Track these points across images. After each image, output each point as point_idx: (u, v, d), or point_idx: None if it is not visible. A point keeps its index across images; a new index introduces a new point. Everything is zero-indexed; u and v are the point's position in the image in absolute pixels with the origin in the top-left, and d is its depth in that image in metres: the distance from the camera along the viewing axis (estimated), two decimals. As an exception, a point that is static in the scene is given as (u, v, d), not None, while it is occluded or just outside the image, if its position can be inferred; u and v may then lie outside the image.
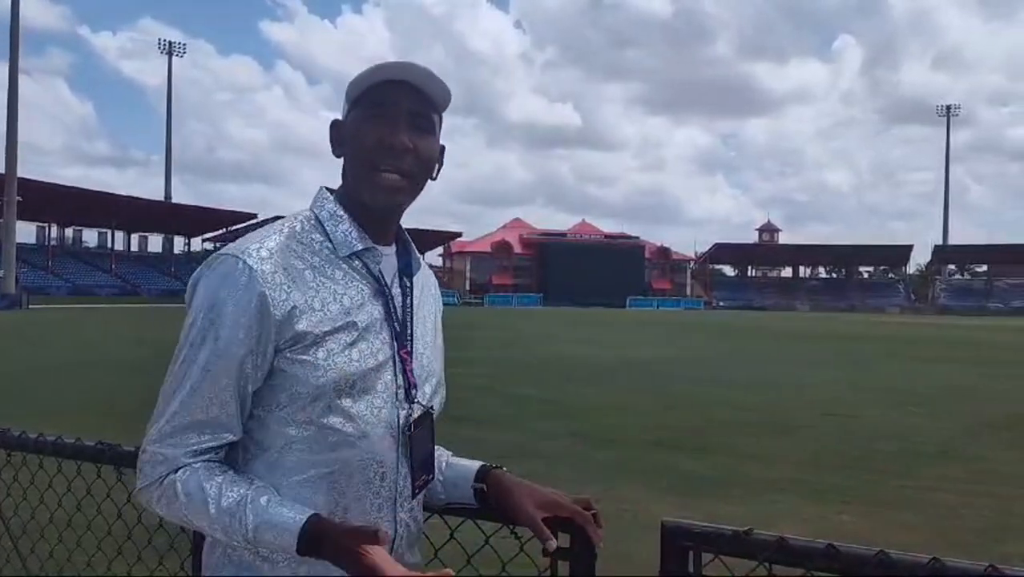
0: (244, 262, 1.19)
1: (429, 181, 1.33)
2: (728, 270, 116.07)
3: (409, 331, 1.32)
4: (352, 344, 1.22)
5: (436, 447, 1.41)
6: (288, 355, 1.19)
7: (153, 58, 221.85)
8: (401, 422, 1.27)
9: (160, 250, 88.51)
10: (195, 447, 1.18)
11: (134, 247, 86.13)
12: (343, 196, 1.31)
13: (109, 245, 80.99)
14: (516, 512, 1.32)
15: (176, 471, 1.17)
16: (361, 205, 1.29)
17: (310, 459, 1.21)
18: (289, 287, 1.20)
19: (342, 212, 1.29)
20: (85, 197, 71.94)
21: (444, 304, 1.53)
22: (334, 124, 1.33)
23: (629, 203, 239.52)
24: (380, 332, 1.26)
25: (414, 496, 1.31)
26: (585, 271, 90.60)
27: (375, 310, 1.27)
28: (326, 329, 1.20)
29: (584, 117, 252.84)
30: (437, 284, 1.50)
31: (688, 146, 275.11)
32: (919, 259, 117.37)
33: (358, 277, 1.27)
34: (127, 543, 2.04)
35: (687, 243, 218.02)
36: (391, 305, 1.29)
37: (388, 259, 1.33)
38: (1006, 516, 5.98)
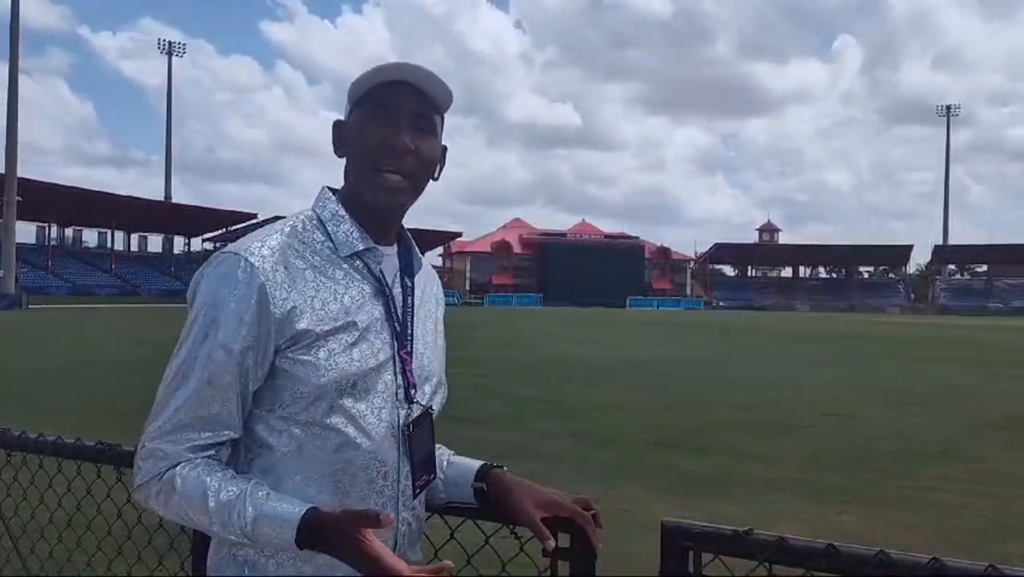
0: (246, 260, 1.19)
1: (431, 182, 1.34)
2: (728, 270, 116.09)
3: (409, 331, 1.32)
4: (353, 344, 1.23)
5: (437, 446, 1.41)
6: (289, 355, 1.20)
7: (153, 58, 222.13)
8: (401, 422, 1.27)
9: (160, 250, 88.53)
10: (195, 443, 1.18)
11: (134, 247, 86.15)
12: (345, 196, 1.32)
13: (109, 245, 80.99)
14: (516, 512, 1.32)
15: (176, 466, 1.17)
16: (363, 205, 1.29)
17: (313, 459, 1.21)
18: (290, 286, 1.20)
19: (344, 212, 1.30)
20: (85, 197, 71.94)
21: (443, 317, 1.52)
22: (336, 124, 1.34)
23: (629, 203, 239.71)
24: (381, 332, 1.27)
25: (415, 495, 1.32)
26: (585, 271, 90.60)
27: (375, 310, 1.27)
28: (326, 328, 1.21)
29: (584, 117, 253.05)
30: (440, 284, 1.51)
31: (688, 146, 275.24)
32: (919, 259, 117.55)
33: (359, 277, 1.28)
34: (127, 543, 2.04)
35: (687, 243, 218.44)
36: (392, 305, 1.30)
37: (389, 259, 1.33)
38: (1006, 516, 5.98)
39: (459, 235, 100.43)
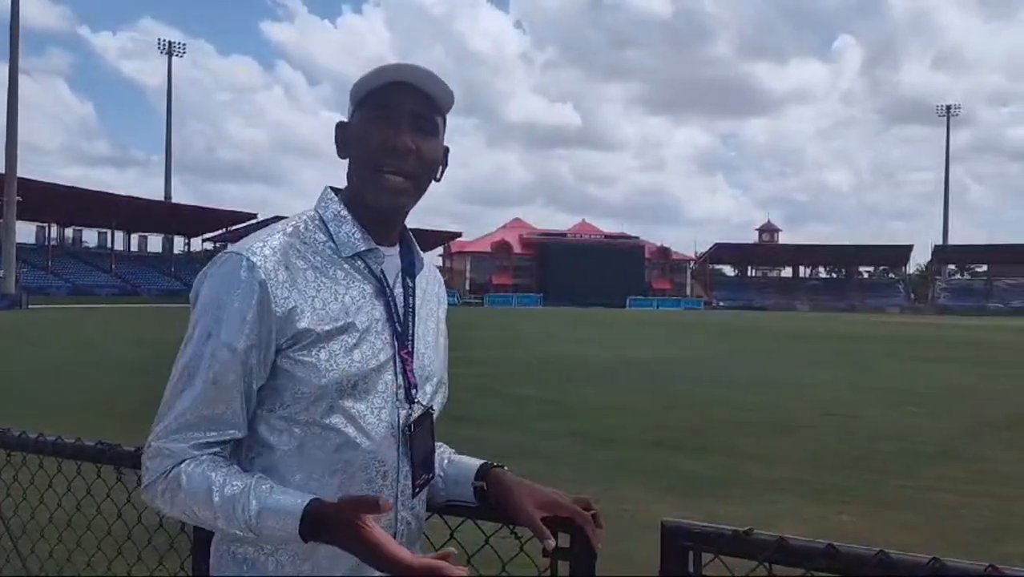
0: (247, 259, 1.20)
1: (433, 182, 1.34)
2: (728, 270, 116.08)
3: (410, 331, 1.32)
4: (354, 345, 1.23)
5: (438, 444, 1.42)
6: (290, 355, 1.20)
7: (153, 58, 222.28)
8: (401, 422, 1.28)
9: (160, 250, 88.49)
10: (200, 441, 1.19)
11: (134, 247, 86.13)
12: (347, 197, 1.32)
13: (109, 245, 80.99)
14: (515, 511, 1.32)
15: (181, 463, 1.18)
16: (365, 206, 1.29)
17: (312, 458, 1.22)
18: (290, 286, 1.21)
19: (346, 213, 1.30)
20: (85, 197, 71.93)
21: (445, 316, 1.53)
22: (339, 126, 1.34)
23: (629, 203, 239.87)
24: (381, 332, 1.27)
25: (415, 495, 1.32)
26: (585, 271, 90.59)
27: (376, 310, 1.28)
28: (327, 329, 1.21)
29: (584, 117, 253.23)
30: (442, 283, 1.51)
31: (688, 146, 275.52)
32: (919, 259, 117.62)
33: (360, 277, 1.28)
34: (127, 543, 2.04)
35: (687, 243, 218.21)
36: (393, 305, 1.30)
37: (391, 259, 1.34)
38: (1006, 516, 5.98)
39: (459, 235, 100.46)
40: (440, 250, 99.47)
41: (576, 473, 6.99)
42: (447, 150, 1.36)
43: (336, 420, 1.21)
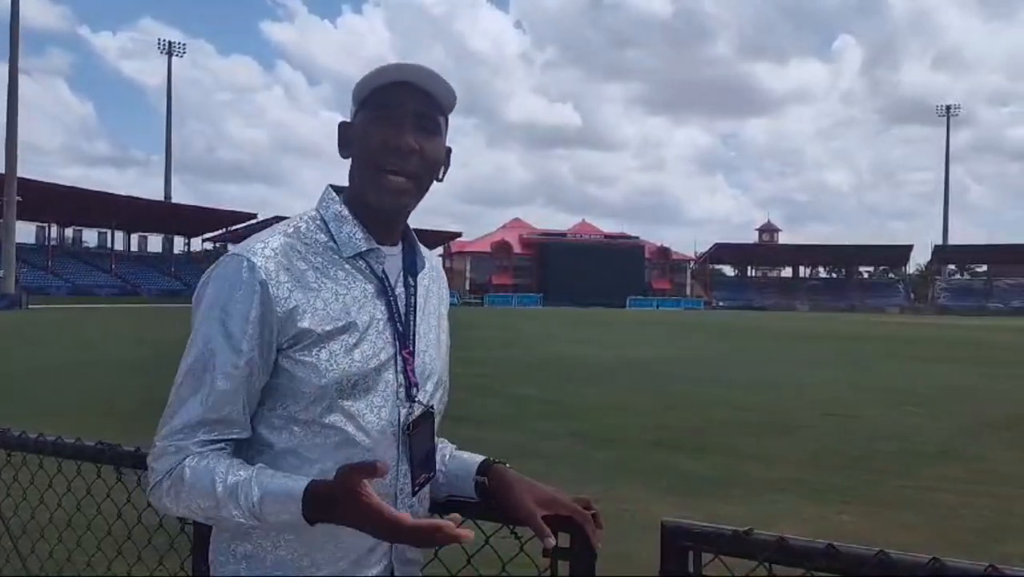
0: (248, 260, 1.21)
1: (435, 182, 1.34)
2: (728, 270, 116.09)
3: (412, 330, 1.32)
4: (355, 346, 1.23)
5: (440, 440, 1.42)
6: (291, 355, 1.21)
7: (153, 58, 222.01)
8: (401, 421, 1.28)
9: (160, 250, 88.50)
10: (204, 439, 1.19)
11: (134, 247, 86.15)
12: (349, 197, 1.32)
13: (109, 245, 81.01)
14: (516, 508, 1.32)
15: (185, 459, 1.18)
16: (366, 206, 1.29)
17: (312, 456, 1.22)
18: (292, 286, 1.21)
19: (347, 213, 1.30)
20: (85, 197, 71.95)
21: (447, 314, 1.53)
22: (342, 126, 1.34)
23: (629, 203, 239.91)
24: (382, 332, 1.27)
25: (414, 493, 1.32)
26: (585, 271, 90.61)
27: (377, 310, 1.28)
28: (328, 329, 1.22)
29: (584, 117, 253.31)
30: (445, 280, 1.51)
31: (688, 146, 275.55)
32: (919, 259, 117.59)
33: (361, 277, 1.28)
34: (127, 543, 2.04)
35: (687, 243, 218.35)
36: (394, 305, 1.30)
37: (393, 259, 1.34)
38: (1006, 516, 5.98)
39: (459, 235, 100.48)
40: (440, 250, 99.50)
41: (576, 473, 6.99)
42: (449, 150, 1.36)
43: (336, 419, 1.22)
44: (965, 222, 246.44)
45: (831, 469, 7.49)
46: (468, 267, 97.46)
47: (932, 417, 10.80)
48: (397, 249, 1.36)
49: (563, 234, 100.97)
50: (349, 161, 1.33)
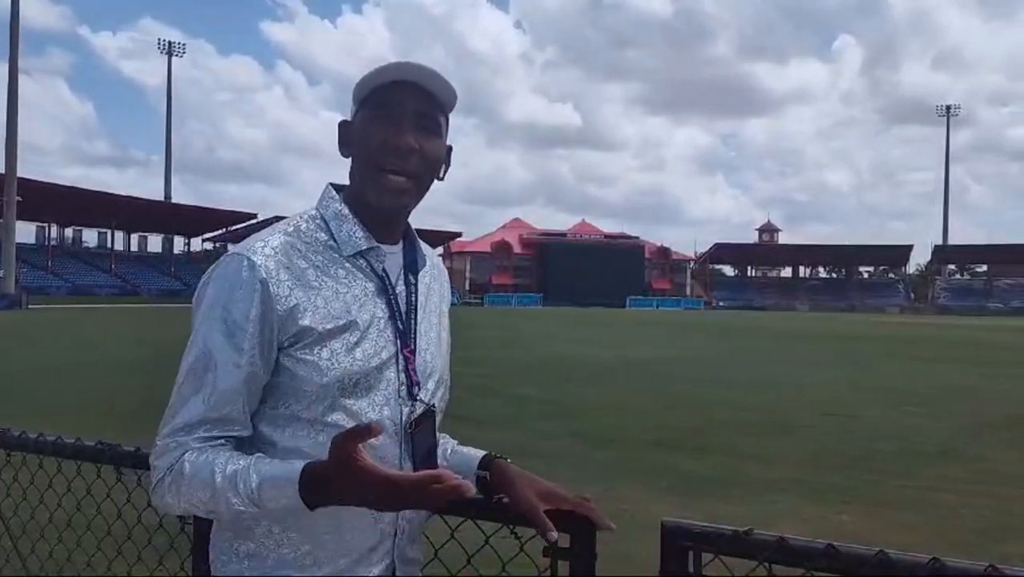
0: (248, 259, 1.21)
1: (436, 181, 1.34)
2: (728, 270, 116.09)
3: (413, 329, 1.32)
4: (356, 344, 1.23)
5: (442, 436, 1.42)
6: (292, 353, 1.21)
7: (153, 58, 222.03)
8: (403, 419, 1.28)
9: (160, 250, 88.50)
10: (204, 435, 1.19)
11: (134, 247, 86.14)
12: (349, 196, 1.32)
13: (109, 245, 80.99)
14: (518, 501, 1.32)
15: (184, 454, 1.18)
16: (366, 205, 1.29)
17: (314, 455, 1.21)
18: (292, 284, 1.21)
19: (347, 211, 1.30)
20: (85, 197, 71.93)
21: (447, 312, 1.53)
22: (342, 125, 1.34)
23: (629, 203, 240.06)
24: (384, 330, 1.27)
25: None
26: (585, 271, 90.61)
27: (378, 308, 1.28)
28: (329, 327, 1.22)
29: (584, 117, 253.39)
30: (447, 277, 1.51)
31: (688, 146, 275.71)
32: (919, 259, 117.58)
33: (362, 276, 1.28)
34: (127, 543, 2.04)
35: (687, 243, 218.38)
36: (395, 303, 1.30)
37: (393, 257, 1.34)
38: (1006, 516, 5.98)
39: (459, 235, 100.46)
40: (440, 250, 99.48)
41: (576, 473, 6.98)
42: (450, 148, 1.36)
43: (337, 417, 1.22)
44: (965, 222, 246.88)
45: (831, 469, 7.49)
46: (468, 267, 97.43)
47: (932, 417, 10.79)
48: (397, 247, 1.36)
49: (563, 234, 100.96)
50: (349, 161, 1.33)
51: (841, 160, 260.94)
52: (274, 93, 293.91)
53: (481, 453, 1.44)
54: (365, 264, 1.29)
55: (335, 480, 1.07)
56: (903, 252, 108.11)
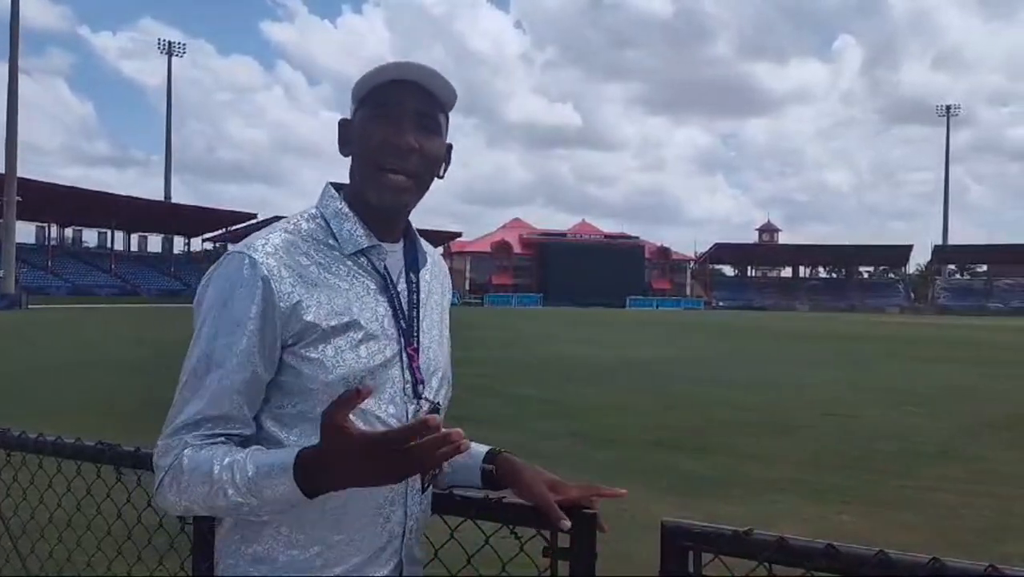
0: (249, 257, 1.20)
1: (436, 180, 1.34)
2: (728, 270, 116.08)
3: (416, 327, 1.32)
4: (360, 342, 1.23)
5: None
6: (297, 351, 1.20)
7: (153, 58, 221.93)
8: (409, 418, 1.28)
9: (160, 250, 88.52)
10: (205, 433, 1.18)
11: (134, 247, 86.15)
12: (349, 194, 1.32)
13: (109, 245, 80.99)
14: (528, 492, 1.33)
15: (184, 451, 1.17)
16: (367, 204, 1.29)
17: None
18: (294, 282, 1.21)
19: (347, 210, 1.30)
20: (85, 197, 71.92)
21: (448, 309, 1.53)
22: (342, 123, 1.34)
23: (629, 203, 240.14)
24: (387, 329, 1.27)
25: (424, 489, 1.33)
26: (585, 271, 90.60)
27: (380, 307, 1.28)
28: (332, 324, 1.21)
29: (584, 117, 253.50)
30: (447, 274, 1.50)
31: (688, 146, 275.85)
32: (919, 259, 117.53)
33: (363, 274, 1.28)
34: (127, 543, 2.04)
35: (687, 243, 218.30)
36: (397, 301, 1.30)
37: (395, 255, 1.34)
38: (1006, 516, 5.98)
39: (459, 235, 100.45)
40: (440, 250, 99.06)
41: (576, 473, 6.94)
42: (450, 147, 1.35)
43: None
44: (965, 222, 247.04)
45: (831, 469, 7.49)
46: (468, 267, 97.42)
47: (932, 417, 10.79)
48: (398, 246, 1.35)
49: (563, 234, 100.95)
50: (348, 160, 1.33)
51: (841, 160, 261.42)
52: (274, 93, 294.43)
53: (485, 448, 1.44)
54: (366, 262, 1.29)
55: (329, 458, 1.05)
56: (903, 252, 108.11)
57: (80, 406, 10.34)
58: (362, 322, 1.24)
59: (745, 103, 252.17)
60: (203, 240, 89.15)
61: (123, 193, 77.94)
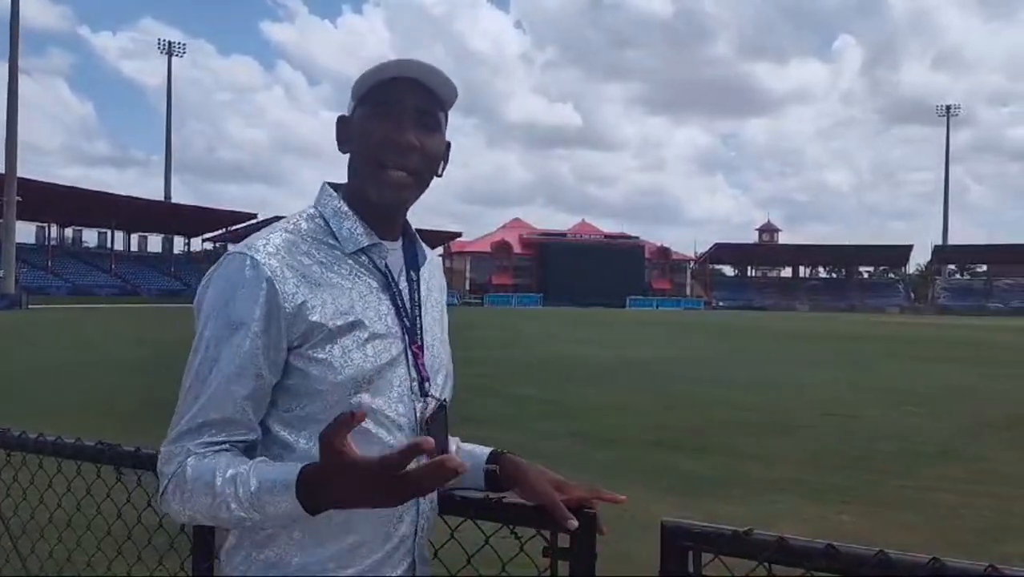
0: (251, 258, 1.19)
1: (435, 177, 1.33)
2: (728, 270, 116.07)
3: (419, 325, 1.32)
4: (366, 341, 1.22)
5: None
6: (303, 353, 1.19)
7: (153, 58, 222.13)
8: (418, 416, 1.28)
9: (160, 250, 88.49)
10: (209, 440, 1.16)
11: (134, 247, 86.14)
12: (348, 193, 1.31)
13: (109, 245, 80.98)
14: (534, 491, 1.33)
15: (188, 459, 1.15)
16: (366, 201, 1.28)
17: None
18: (298, 282, 1.19)
19: (347, 208, 1.29)
20: (85, 197, 71.89)
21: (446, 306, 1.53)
22: (340, 121, 1.33)
23: (629, 203, 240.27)
24: (391, 327, 1.27)
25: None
26: (585, 271, 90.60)
27: (383, 305, 1.27)
28: (339, 324, 1.20)
29: (584, 117, 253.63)
30: (442, 270, 1.50)
31: (688, 146, 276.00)
32: (919, 259, 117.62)
33: (365, 273, 1.27)
34: (127, 543, 2.04)
35: (687, 243, 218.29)
36: (400, 300, 1.30)
37: (395, 254, 1.33)
38: (1006, 516, 5.98)
39: (459, 235, 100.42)
40: (440, 250, 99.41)
41: (576, 473, 6.92)
42: (448, 144, 1.35)
43: None
44: (965, 222, 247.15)
45: (831, 469, 7.49)
46: (468, 267, 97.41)
47: (932, 417, 10.79)
48: (398, 244, 1.35)
49: (563, 234, 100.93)
50: (347, 158, 1.32)
51: (841, 160, 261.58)
52: (274, 93, 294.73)
53: (487, 449, 1.45)
54: (368, 261, 1.28)
55: (330, 480, 1.03)
56: (903, 252, 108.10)
57: (80, 406, 10.34)
58: (367, 321, 1.23)
59: (745, 103, 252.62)
60: (203, 240, 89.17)
61: (123, 193, 77.97)
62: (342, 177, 1.35)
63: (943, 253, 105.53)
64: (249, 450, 1.20)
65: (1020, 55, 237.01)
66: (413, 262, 1.36)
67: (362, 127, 1.27)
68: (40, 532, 2.28)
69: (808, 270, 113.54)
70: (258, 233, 1.26)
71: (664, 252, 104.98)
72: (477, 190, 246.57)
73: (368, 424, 1.21)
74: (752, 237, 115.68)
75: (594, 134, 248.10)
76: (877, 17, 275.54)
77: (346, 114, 1.33)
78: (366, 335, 1.22)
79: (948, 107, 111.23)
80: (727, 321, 50.34)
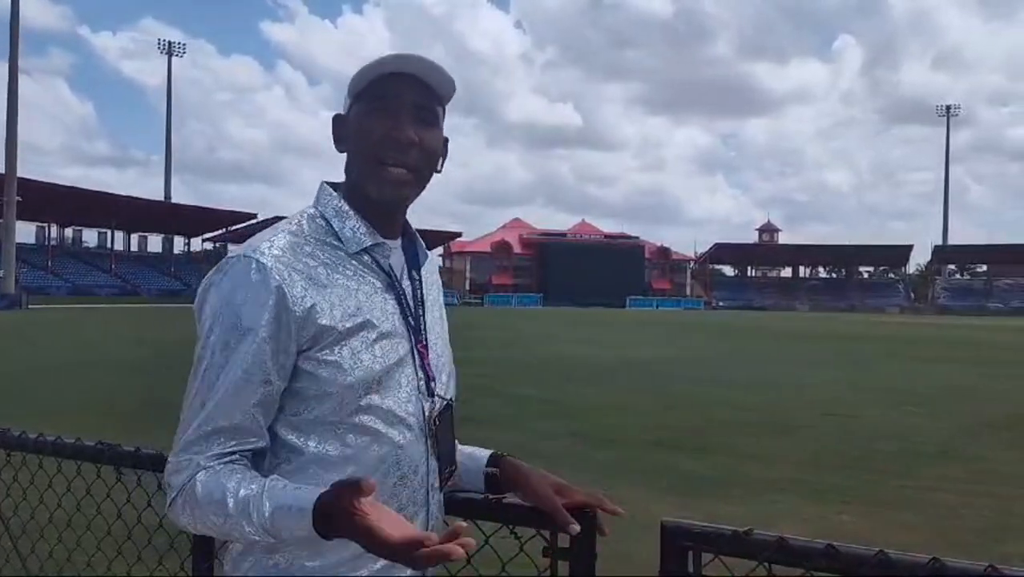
0: (257, 261, 1.17)
1: (434, 174, 1.33)
2: (728, 270, 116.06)
3: (423, 324, 1.32)
4: (375, 341, 1.22)
5: None
6: (312, 356, 1.18)
7: (153, 58, 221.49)
8: (426, 416, 1.27)
9: (160, 250, 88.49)
10: (218, 450, 1.15)
11: (134, 247, 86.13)
12: (347, 191, 1.30)
13: (109, 245, 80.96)
14: (535, 495, 1.33)
15: (197, 474, 1.14)
16: (366, 200, 1.27)
17: (344, 458, 1.19)
18: (305, 285, 1.18)
19: (347, 208, 1.28)
20: (85, 197, 71.89)
21: (444, 304, 1.53)
22: (336, 119, 1.32)
23: (629, 203, 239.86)
24: (398, 327, 1.26)
25: (441, 488, 1.32)
26: (585, 271, 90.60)
27: (388, 305, 1.26)
28: (348, 326, 1.19)
29: (584, 117, 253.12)
30: (436, 267, 1.50)
31: (688, 146, 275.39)
32: (919, 259, 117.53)
33: (369, 273, 1.26)
34: (127, 543, 2.04)
35: (687, 243, 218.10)
36: (404, 299, 1.29)
37: (396, 253, 1.33)
38: (1006, 516, 5.98)
39: (459, 235, 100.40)
40: (440, 250, 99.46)
41: (576, 473, 6.96)
42: (446, 140, 1.34)
43: (366, 418, 1.19)
44: (965, 222, 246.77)
45: (831, 469, 7.49)
46: (468, 267, 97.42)
47: (932, 417, 10.80)
48: (398, 243, 1.34)
49: (563, 234, 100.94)
50: (345, 157, 1.32)
51: (841, 160, 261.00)
52: (274, 93, 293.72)
53: (488, 452, 1.44)
54: (371, 261, 1.27)
55: (342, 523, 1.02)
56: (903, 252, 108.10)
57: (80, 406, 10.33)
58: (374, 321, 1.22)
59: (745, 103, 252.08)
60: (203, 240, 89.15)
61: (123, 193, 77.97)
62: (342, 177, 1.35)
63: (943, 253, 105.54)
64: (258, 456, 1.19)
65: (1020, 55, 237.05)
66: (414, 261, 1.36)
67: (360, 124, 1.26)
68: (40, 532, 2.28)
69: (808, 270, 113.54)
70: (260, 235, 1.24)
71: (664, 252, 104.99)
72: (477, 190, 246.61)
73: (379, 426, 1.21)
74: (752, 237, 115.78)
75: (594, 134, 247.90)
76: (877, 17, 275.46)
77: (342, 112, 1.31)
78: (374, 335, 1.22)
79: (948, 107, 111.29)
80: (727, 321, 50.34)
